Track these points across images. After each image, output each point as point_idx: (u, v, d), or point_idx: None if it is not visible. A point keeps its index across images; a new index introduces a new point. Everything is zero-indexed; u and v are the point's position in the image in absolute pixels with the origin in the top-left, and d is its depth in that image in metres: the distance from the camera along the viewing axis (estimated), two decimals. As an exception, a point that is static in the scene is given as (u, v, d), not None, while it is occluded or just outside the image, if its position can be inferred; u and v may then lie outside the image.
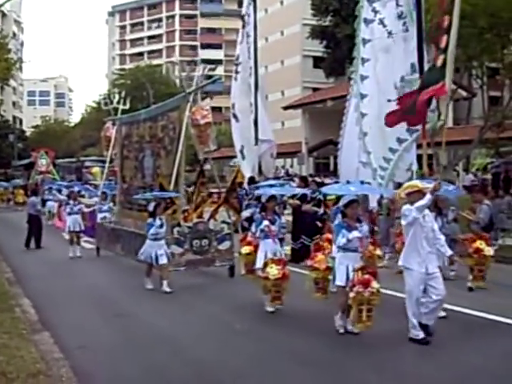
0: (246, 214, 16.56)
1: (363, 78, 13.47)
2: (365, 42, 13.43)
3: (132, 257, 15.82)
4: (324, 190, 13.04)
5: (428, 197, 8.96)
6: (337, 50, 49.51)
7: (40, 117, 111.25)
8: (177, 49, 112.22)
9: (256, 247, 12.07)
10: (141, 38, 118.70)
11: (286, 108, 50.77)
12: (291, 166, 49.62)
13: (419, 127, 12.00)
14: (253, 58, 19.88)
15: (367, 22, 13.39)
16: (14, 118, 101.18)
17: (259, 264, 11.35)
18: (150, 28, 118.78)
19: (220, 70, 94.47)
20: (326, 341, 9.37)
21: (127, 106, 22.64)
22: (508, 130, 28.28)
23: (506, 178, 28.56)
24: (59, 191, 31.57)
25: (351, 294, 9.05)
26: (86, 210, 20.86)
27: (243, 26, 20.56)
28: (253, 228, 12.59)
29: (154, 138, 17.75)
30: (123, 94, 23.08)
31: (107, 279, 15.47)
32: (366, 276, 9.08)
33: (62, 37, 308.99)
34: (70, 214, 20.13)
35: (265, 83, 21.13)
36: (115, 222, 20.01)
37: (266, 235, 11.65)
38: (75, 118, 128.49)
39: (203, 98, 18.51)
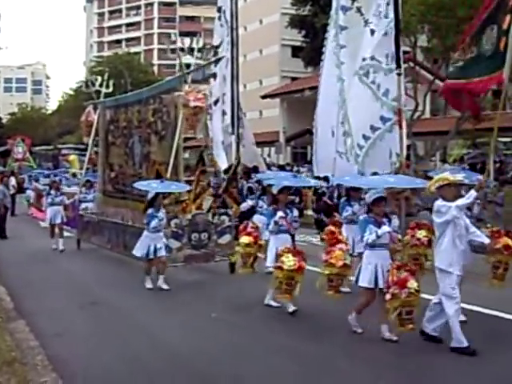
0: (246, 205, 15.56)
1: (342, 63, 13.43)
2: (342, 28, 13.42)
3: (120, 251, 15.32)
4: (361, 182, 11.38)
5: (473, 194, 8.22)
6: (315, 39, 49.34)
7: (17, 104, 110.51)
8: (155, 37, 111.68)
9: (256, 239, 11.37)
10: (119, 26, 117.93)
11: (263, 97, 50.70)
12: (269, 156, 49.62)
13: (391, 116, 11.95)
14: (230, 48, 17.83)
15: (344, 9, 13.37)
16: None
17: (270, 262, 10.57)
18: (128, 15, 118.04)
19: (199, 59, 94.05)
20: (325, 338, 9.19)
21: (110, 89, 20.81)
22: (485, 122, 28.43)
23: (482, 169, 28.74)
24: (36, 180, 31.13)
25: (387, 297, 8.40)
26: (67, 201, 19.27)
27: (219, 18, 18.96)
28: (255, 218, 12.69)
29: (143, 123, 16.46)
30: (106, 76, 20.99)
31: (84, 268, 15.41)
32: (403, 275, 8.43)
33: (40, 23, 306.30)
34: (51, 204, 18.60)
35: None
36: (96, 212, 18.98)
37: (278, 229, 10.84)
38: (52, 106, 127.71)
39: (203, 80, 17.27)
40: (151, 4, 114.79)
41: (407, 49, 30.85)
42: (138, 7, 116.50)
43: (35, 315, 10.41)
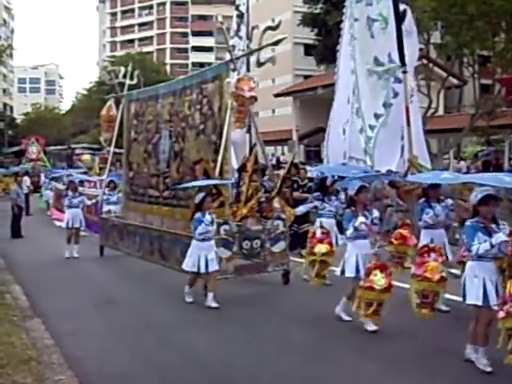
0: (302, 208, 13.89)
1: (354, 56, 13.42)
2: (355, 20, 13.40)
3: (154, 259, 13.89)
4: (413, 178, 10.93)
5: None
6: (328, 37, 49.24)
7: (30, 104, 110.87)
8: (167, 36, 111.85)
9: (331, 246, 10.63)
10: (131, 25, 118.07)
11: (276, 95, 50.62)
12: (283, 154, 49.56)
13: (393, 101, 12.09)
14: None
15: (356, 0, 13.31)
16: (5, 105, 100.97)
17: (351, 272, 9.40)
18: (140, 15, 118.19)
19: (211, 58, 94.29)
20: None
21: (134, 81, 18.97)
22: (499, 118, 28.33)
23: (497, 166, 28.64)
24: (56, 179, 30.10)
25: (500, 314, 7.10)
26: (88, 202, 18.32)
27: (238, 16, 19.20)
28: (317, 223, 11.97)
29: (177, 117, 14.55)
30: (130, 67, 19.21)
31: (99, 266, 15.47)
32: None
33: (53, 24, 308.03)
34: (69, 207, 17.30)
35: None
36: (119, 216, 17.44)
37: (358, 235, 9.48)
38: (66, 106, 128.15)
39: (260, 65, 14.61)
40: (163, 3, 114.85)
41: (420, 46, 30.79)
42: (151, 7, 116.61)
43: (50, 314, 10.45)
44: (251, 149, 13.90)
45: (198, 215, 11.02)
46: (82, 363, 7.93)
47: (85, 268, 15.27)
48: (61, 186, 26.04)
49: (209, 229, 10.98)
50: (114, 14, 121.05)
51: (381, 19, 12.26)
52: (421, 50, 31.53)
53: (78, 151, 59.60)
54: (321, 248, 10.49)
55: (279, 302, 11.49)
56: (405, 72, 11.96)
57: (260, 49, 14.04)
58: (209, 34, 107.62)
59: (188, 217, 11.92)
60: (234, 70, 12.84)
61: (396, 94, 12.10)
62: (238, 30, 19.02)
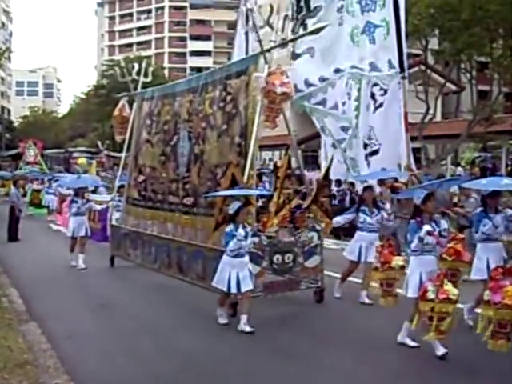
0: (339, 220, 12.27)
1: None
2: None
3: (172, 273, 12.68)
4: (470, 184, 10.42)
5: None
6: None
7: (28, 107, 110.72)
8: (166, 40, 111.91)
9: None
10: (130, 29, 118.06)
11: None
12: (280, 159, 49.56)
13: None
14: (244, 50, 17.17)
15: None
16: (2, 108, 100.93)
17: (413, 292, 8.34)
18: (139, 19, 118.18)
19: (209, 62, 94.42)
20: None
21: (149, 79, 17.74)
22: (496, 125, 28.40)
23: (493, 172, 28.70)
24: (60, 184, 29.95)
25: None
26: (98, 207, 17.21)
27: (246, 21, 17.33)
28: (356, 236, 11.50)
29: (197, 116, 13.09)
30: (144, 63, 17.87)
31: (95, 270, 15.42)
32: None
33: (51, 27, 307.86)
34: (75, 214, 16.08)
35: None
36: (121, 222, 16.10)
37: (423, 249, 8.45)
38: (63, 109, 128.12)
39: (296, 57, 13.44)
40: (162, 8, 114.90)
41: (418, 52, 30.88)
42: (149, 11, 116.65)
43: (47, 317, 10.42)
44: (286, 151, 12.71)
45: (230, 228, 9.71)
46: (78, 367, 7.91)
47: (82, 272, 15.22)
48: (65, 191, 24.94)
49: (242, 244, 9.69)
50: (112, 18, 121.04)
51: (384, 25, 12.34)
52: (419, 56, 31.77)
53: (75, 155, 59.66)
54: (398, 260, 9.34)
55: (312, 322, 10.39)
56: (404, 78, 12.01)
57: (296, 38, 12.91)
58: (207, 38, 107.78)
59: (209, 226, 11.17)
60: (265, 62, 11.25)
61: (380, 104, 12.31)
62: (269, 18, 17.56)
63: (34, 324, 9.83)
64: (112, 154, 49.86)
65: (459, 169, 32.50)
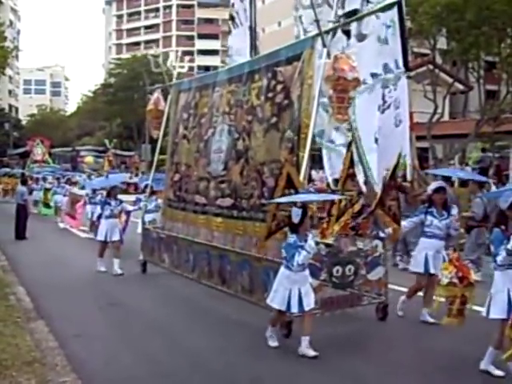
0: (406, 224, 10.62)
1: None
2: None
3: (213, 283, 11.51)
4: None
5: None
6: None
7: (36, 106, 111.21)
8: (173, 39, 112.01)
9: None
10: (137, 28, 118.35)
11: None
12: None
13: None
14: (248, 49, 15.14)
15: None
16: (10, 106, 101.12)
17: (499, 312, 7.33)
18: (146, 18, 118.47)
19: (217, 61, 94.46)
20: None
21: (185, 69, 16.47)
22: (504, 124, 28.35)
23: (497, 172, 28.63)
24: (71, 183, 29.07)
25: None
26: (130, 208, 16.31)
27: (231, 17, 15.78)
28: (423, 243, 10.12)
29: (240, 108, 11.77)
30: (179, 52, 16.90)
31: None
32: None
33: (59, 25, 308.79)
34: (108, 217, 14.89)
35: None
36: (158, 226, 14.90)
37: (510, 262, 7.27)
38: (71, 108, 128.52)
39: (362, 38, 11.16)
40: (170, 6, 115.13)
41: (426, 51, 30.83)
42: (157, 9, 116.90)
43: (54, 316, 10.43)
44: (348, 146, 10.54)
45: (292, 239, 8.36)
46: (85, 366, 7.92)
47: (87, 268, 15.23)
48: (77, 191, 24.60)
49: (309, 256, 8.35)
50: (120, 17, 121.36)
51: (392, 25, 12.20)
52: (427, 55, 31.72)
53: (82, 153, 59.84)
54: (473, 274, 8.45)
55: (373, 342, 9.28)
56: (409, 77, 11.92)
57: (363, 16, 10.86)
58: (215, 36, 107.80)
59: (251, 232, 10.57)
60: (323, 45, 9.83)
61: (389, 105, 11.95)
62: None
63: (42, 322, 9.83)
64: (119, 152, 50.08)
65: (467, 168, 32.45)
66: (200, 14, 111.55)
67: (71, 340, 9.04)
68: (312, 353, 8.23)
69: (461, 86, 36.26)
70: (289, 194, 9.04)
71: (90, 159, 50.58)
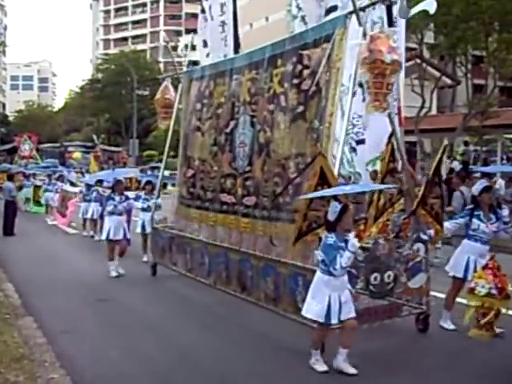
0: (448, 226, 9.65)
1: None
2: None
3: (231, 289, 10.54)
4: None
5: None
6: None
7: (23, 101, 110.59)
8: (161, 34, 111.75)
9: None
10: (125, 23, 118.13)
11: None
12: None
13: None
14: (232, 46, 14.44)
15: None
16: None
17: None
18: (134, 13, 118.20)
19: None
20: None
21: (197, 56, 15.16)
22: (491, 118, 28.46)
23: (485, 165, 28.75)
24: (62, 180, 27.99)
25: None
26: (138, 205, 15.53)
27: (202, 10, 15.08)
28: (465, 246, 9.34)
29: (262, 96, 10.61)
30: (193, 38, 15.37)
31: (91, 264, 15.40)
32: None
33: (46, 21, 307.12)
34: (111, 213, 13.88)
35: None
36: (169, 226, 13.78)
37: None
38: (58, 103, 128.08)
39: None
40: (157, 1, 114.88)
41: (414, 46, 30.88)
42: (144, 5, 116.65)
43: (43, 312, 10.41)
44: (389, 139, 9.34)
45: (331, 239, 7.32)
46: (74, 362, 7.90)
47: (76, 264, 15.20)
48: (69, 188, 24.00)
49: (349, 259, 7.35)
50: (107, 12, 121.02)
51: (380, 22, 12.17)
52: (414, 49, 31.77)
53: (70, 149, 59.67)
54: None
55: (416, 358, 8.31)
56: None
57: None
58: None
59: (270, 232, 9.77)
60: (359, 24, 8.71)
61: None
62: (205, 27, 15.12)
63: (30, 319, 9.80)
64: (107, 147, 49.90)
65: (455, 163, 32.58)
66: (188, 8, 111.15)
67: (60, 336, 9.03)
68: (351, 370, 7.38)
69: (448, 80, 36.36)
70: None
71: (77, 155, 50.46)
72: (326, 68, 9.04)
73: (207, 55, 14.37)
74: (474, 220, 9.34)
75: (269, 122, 10.30)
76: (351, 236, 7.25)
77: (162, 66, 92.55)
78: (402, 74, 8.99)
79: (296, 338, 8.64)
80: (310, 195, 7.87)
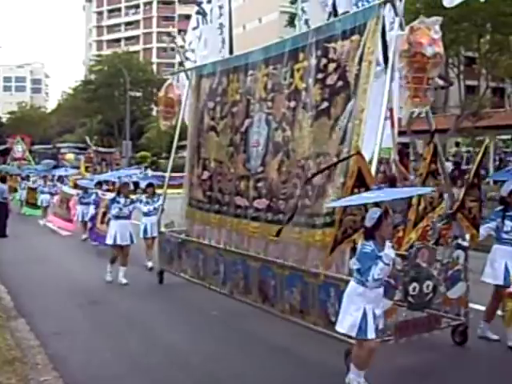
0: (483, 231, 8.87)
1: None
2: None
3: (252, 300, 9.77)
4: None
5: None
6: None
7: (16, 103, 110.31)
8: (154, 35, 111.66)
9: None
10: (118, 24, 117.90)
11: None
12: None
13: None
14: (228, 48, 14.18)
15: None
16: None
17: None
18: (127, 14, 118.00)
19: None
20: None
21: (206, 51, 14.19)
22: (484, 119, 28.56)
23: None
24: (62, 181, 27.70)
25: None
26: (144, 209, 14.81)
27: (198, 13, 15.00)
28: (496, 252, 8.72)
29: (280, 93, 9.93)
30: (200, 33, 14.45)
31: (83, 266, 15.39)
32: None
33: (39, 22, 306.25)
34: (117, 217, 13.30)
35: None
36: (179, 230, 12.81)
37: None
38: (51, 105, 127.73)
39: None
40: (150, 3, 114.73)
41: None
42: (137, 6, 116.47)
43: (35, 314, 10.39)
44: (431, 138, 8.98)
45: (370, 247, 6.58)
46: (66, 364, 7.90)
47: (68, 266, 15.18)
48: (68, 190, 23.10)
49: (386, 269, 6.66)
50: (100, 13, 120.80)
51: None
52: (407, 50, 31.91)
53: (63, 150, 59.54)
54: None
55: (456, 374, 7.65)
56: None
57: None
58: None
59: (286, 238, 8.92)
60: (395, 14, 8.22)
61: None
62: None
63: (23, 321, 9.81)
64: (100, 149, 49.77)
65: (447, 164, 32.71)
66: (181, 10, 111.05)
67: (52, 338, 9.02)
68: None
69: (441, 82, 36.34)
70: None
71: (70, 156, 50.32)
72: (357, 61, 8.40)
73: (206, 57, 13.88)
74: (507, 222, 8.74)
75: (288, 120, 9.65)
76: (387, 246, 6.59)
77: (154, 67, 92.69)
78: (396, 74, 8.60)
79: (291, 341, 8.69)
80: (344, 203, 7.15)
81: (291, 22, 54.04)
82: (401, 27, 7.90)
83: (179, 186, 13.74)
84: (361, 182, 7.25)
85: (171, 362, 8.11)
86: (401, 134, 8.56)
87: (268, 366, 7.90)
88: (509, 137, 35.75)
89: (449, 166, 30.52)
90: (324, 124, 8.79)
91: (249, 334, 9.23)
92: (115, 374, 7.68)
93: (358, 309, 6.55)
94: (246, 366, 7.88)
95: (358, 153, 7.39)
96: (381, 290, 6.69)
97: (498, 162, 33.70)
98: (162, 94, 14.25)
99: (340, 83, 8.63)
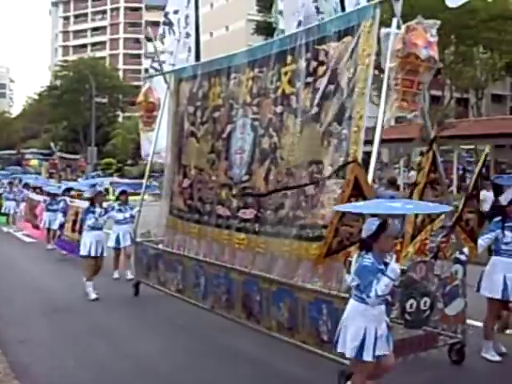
0: (481, 242, 8.42)
1: None
2: None
3: (235, 316, 9.16)
4: None
5: None
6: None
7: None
8: (121, 41, 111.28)
9: None
10: (84, 30, 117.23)
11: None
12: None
13: None
14: (194, 55, 14.47)
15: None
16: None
17: None
18: (93, 20, 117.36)
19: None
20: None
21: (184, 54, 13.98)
22: (448, 129, 28.90)
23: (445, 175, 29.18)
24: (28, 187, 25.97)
25: None
26: (120, 218, 14.18)
27: (165, 23, 14.75)
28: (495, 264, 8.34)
29: (266, 97, 9.45)
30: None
31: (47, 273, 15.26)
32: None
33: (4, 26, 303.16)
34: (92, 228, 12.42)
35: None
36: (157, 240, 12.23)
37: None
38: (16, 110, 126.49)
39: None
40: (117, 9, 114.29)
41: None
42: (104, 12, 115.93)
43: (-2, 322, 10.30)
44: (430, 146, 8.21)
45: (369, 260, 6.04)
46: (29, 372, 7.83)
47: (32, 274, 15.04)
48: (35, 196, 22.38)
49: (388, 286, 5.99)
50: (66, 18, 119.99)
51: None
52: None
53: (27, 156, 59.10)
54: None
55: None
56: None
57: None
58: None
59: (275, 250, 8.65)
60: (394, 15, 7.81)
61: None
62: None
63: (-16, 329, 9.72)
64: (65, 155, 49.51)
65: (412, 173, 33.00)
66: (148, 16, 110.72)
67: (15, 346, 8.94)
68: None
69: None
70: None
71: (35, 162, 49.99)
72: (350, 64, 7.97)
73: (172, 65, 13.73)
74: (507, 233, 8.32)
75: (275, 126, 9.13)
76: (392, 260, 6.03)
77: (121, 73, 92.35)
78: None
79: (259, 349, 8.69)
80: (360, 209, 6.48)
81: (258, 30, 54.42)
82: (398, 27, 7.52)
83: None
84: (358, 191, 6.91)
85: (139, 370, 8.06)
86: (366, 143, 8.40)
87: (238, 374, 7.89)
88: (472, 147, 36.19)
89: (413, 175, 30.88)
90: (315, 130, 8.36)
91: (220, 345, 9.17)
92: (78, 381, 7.63)
93: (358, 329, 6.05)
94: (216, 376, 7.85)
95: (355, 161, 7.11)
96: (383, 307, 6.18)
97: (461, 172, 34.13)
98: (141, 98, 13.56)
99: (330, 87, 8.22)
